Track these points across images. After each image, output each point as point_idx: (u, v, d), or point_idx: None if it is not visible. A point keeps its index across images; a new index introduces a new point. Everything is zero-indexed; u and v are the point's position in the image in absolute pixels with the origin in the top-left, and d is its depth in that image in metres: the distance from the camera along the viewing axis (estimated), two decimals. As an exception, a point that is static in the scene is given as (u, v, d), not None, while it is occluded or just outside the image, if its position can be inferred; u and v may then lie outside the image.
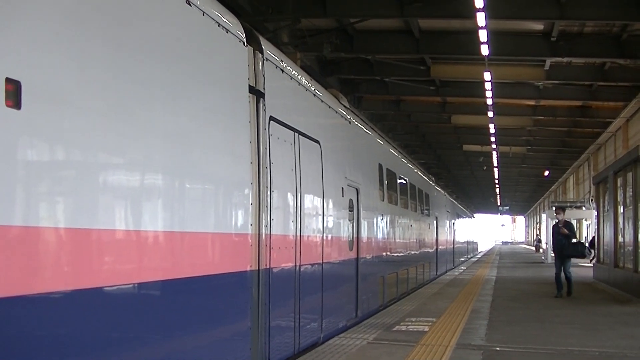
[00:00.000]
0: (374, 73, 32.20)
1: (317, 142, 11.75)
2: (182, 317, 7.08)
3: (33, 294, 4.97)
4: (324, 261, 11.94)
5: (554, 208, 49.67)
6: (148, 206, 6.51)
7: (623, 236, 23.42)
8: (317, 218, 11.68)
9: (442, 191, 39.35)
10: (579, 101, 38.49)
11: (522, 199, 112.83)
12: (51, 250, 5.22)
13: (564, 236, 21.54)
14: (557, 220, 22.88)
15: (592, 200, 37.37)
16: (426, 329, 13.71)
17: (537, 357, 11.31)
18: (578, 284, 20.51)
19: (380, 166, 18.22)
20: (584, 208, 47.49)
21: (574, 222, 57.15)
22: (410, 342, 12.15)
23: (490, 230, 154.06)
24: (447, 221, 39.83)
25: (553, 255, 24.22)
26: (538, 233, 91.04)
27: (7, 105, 4.65)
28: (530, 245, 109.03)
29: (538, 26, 26.70)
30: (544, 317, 16.35)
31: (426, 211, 29.13)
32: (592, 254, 32.49)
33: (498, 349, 11.79)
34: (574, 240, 22.05)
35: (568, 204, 52.81)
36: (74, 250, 5.43)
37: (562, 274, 21.45)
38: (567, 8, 22.97)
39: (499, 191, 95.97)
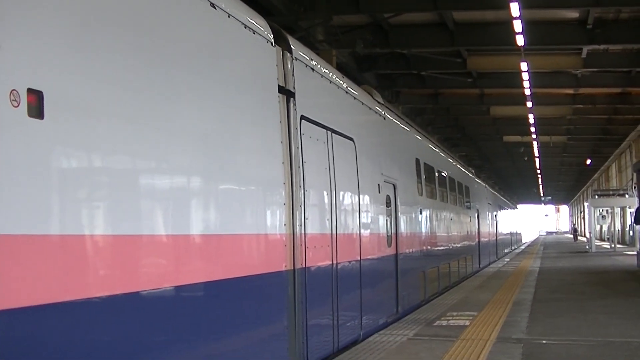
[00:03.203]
0: (411, 67, 31.93)
1: (351, 139, 11.74)
2: (219, 318, 7.13)
3: (75, 299, 5.04)
4: (362, 258, 11.92)
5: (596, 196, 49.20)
6: (181, 210, 6.55)
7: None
8: (353, 215, 11.67)
9: (482, 183, 39.12)
10: (618, 88, 38.00)
11: (564, 188, 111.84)
12: (86, 257, 5.27)
13: None
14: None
15: (634, 187, 36.93)
16: (467, 323, 13.66)
17: (577, 349, 11.20)
18: (621, 272, 20.16)
19: (417, 161, 18.16)
20: (627, 195, 46.98)
21: (617, 209, 56.79)
22: (451, 337, 12.12)
23: (534, 221, 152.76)
24: (489, 213, 39.60)
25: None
26: (574, 223, 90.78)
27: (30, 116, 4.69)
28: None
29: (573, 14, 26.38)
30: (587, 307, 16.21)
31: (467, 204, 29.00)
32: None
33: (541, 341, 11.72)
34: None
35: (611, 192, 52.28)
36: (110, 256, 5.49)
37: None
38: (602, -5, 22.75)
39: (542, 181, 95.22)
